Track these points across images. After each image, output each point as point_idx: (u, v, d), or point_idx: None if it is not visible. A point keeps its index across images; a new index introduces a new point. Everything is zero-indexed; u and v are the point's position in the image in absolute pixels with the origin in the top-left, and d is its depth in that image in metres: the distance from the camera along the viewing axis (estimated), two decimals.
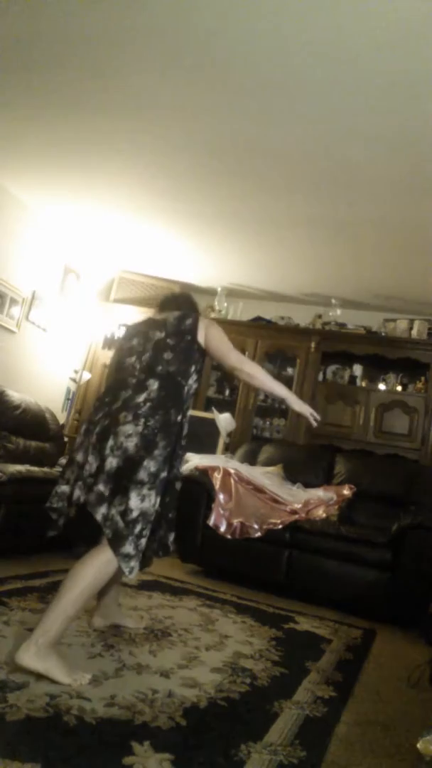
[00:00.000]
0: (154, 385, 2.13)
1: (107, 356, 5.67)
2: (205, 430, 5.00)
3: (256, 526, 3.73)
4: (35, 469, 3.61)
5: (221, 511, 3.81)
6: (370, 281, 4.90)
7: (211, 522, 3.77)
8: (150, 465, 2.02)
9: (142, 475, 2.00)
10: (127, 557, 1.96)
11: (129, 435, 2.03)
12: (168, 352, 2.20)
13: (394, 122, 2.80)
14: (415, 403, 4.94)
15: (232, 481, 3.93)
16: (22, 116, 3.38)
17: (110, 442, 2.03)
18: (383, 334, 5.21)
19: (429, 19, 2.16)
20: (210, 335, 2.28)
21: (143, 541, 2.00)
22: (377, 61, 2.42)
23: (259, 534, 3.71)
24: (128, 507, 1.97)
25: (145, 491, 2.00)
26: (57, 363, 5.40)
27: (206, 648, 2.39)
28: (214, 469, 4.00)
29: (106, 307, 5.77)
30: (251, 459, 4.62)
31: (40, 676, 1.81)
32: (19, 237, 4.69)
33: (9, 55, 2.85)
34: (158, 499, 2.06)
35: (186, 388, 2.22)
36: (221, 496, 3.85)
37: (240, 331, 5.47)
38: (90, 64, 2.80)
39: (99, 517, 2.00)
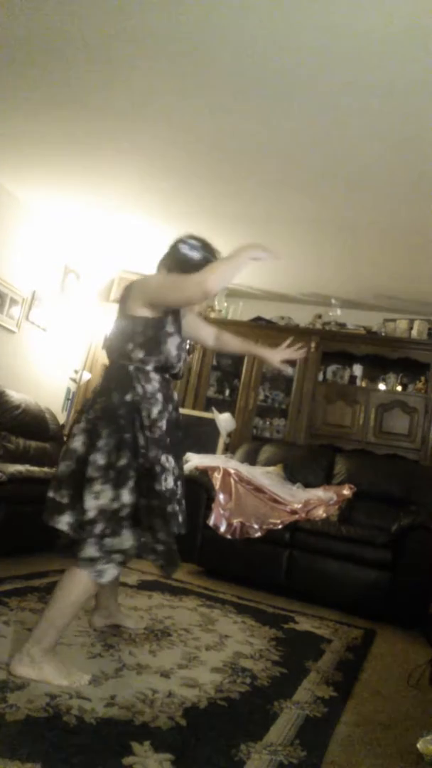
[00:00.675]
0: (103, 375, 2.02)
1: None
2: (205, 430, 5.00)
3: (256, 526, 3.73)
4: (35, 469, 3.61)
5: (221, 511, 3.81)
6: (370, 281, 4.90)
7: (211, 522, 3.77)
8: (96, 458, 1.86)
9: (90, 471, 1.86)
10: (90, 561, 1.84)
11: (74, 435, 1.95)
12: (112, 335, 2.05)
13: (395, 123, 2.80)
14: (415, 403, 4.94)
15: (232, 481, 3.93)
16: (23, 116, 3.38)
17: (62, 450, 1.95)
18: (383, 334, 5.21)
19: (429, 19, 2.16)
20: (143, 292, 1.98)
21: (110, 540, 1.85)
22: (378, 61, 2.41)
23: (259, 534, 3.71)
24: (83, 508, 1.85)
25: (97, 487, 1.84)
26: (57, 363, 5.40)
27: (206, 648, 2.39)
28: (214, 469, 4.00)
29: (106, 307, 5.77)
30: (251, 459, 4.62)
31: None
32: (19, 237, 4.69)
33: (9, 55, 2.85)
34: (122, 492, 1.86)
35: (132, 367, 1.98)
36: (221, 496, 3.85)
37: (240, 331, 5.44)
38: (90, 64, 2.80)
39: (64, 527, 1.90)
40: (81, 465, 1.90)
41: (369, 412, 5.02)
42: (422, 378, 5.01)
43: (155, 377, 2.01)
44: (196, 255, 2.13)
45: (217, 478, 3.92)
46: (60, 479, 1.94)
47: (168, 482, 1.97)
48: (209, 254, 2.15)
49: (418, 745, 1.72)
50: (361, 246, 4.29)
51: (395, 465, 4.54)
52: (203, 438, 4.96)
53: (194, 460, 4.21)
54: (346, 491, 4.09)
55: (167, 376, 2.08)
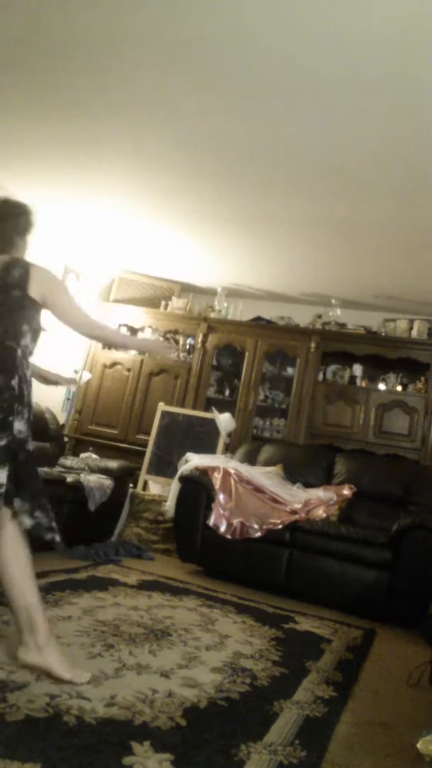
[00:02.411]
0: None
1: (107, 356, 5.68)
2: (205, 430, 5.00)
3: (256, 526, 3.73)
4: None
5: (221, 511, 3.81)
6: (370, 281, 4.90)
7: (211, 522, 3.77)
8: None
9: None
10: None
11: None
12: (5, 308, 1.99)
13: (395, 123, 2.80)
14: (415, 403, 4.94)
15: (232, 481, 3.93)
16: (23, 116, 3.38)
17: None
18: (383, 334, 5.21)
19: (428, 18, 2.16)
20: (47, 289, 2.03)
21: None
22: (377, 61, 2.41)
23: (259, 534, 3.71)
24: None
25: None
26: (57, 363, 5.39)
27: (206, 648, 2.39)
28: (214, 469, 4.00)
29: (106, 307, 5.77)
30: (251, 459, 4.62)
31: (40, 676, 1.81)
32: None
33: (9, 55, 2.85)
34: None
35: (19, 351, 1.98)
36: (221, 496, 3.85)
37: (240, 331, 5.47)
38: (90, 64, 2.80)
39: None
40: None
41: (369, 412, 5.02)
42: (422, 378, 5.01)
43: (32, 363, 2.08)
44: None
45: (217, 478, 3.92)
46: None
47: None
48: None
49: (418, 745, 1.72)
50: (361, 246, 4.29)
51: (395, 465, 4.54)
52: (203, 438, 4.96)
53: (194, 460, 4.21)
54: (346, 491, 4.09)
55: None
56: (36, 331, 2.06)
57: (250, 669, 2.24)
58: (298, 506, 3.87)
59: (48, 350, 5.19)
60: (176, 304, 5.72)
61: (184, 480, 4.04)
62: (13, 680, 1.76)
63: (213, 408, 5.13)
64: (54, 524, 1.97)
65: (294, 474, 4.40)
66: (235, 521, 3.76)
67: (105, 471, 4.43)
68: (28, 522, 1.92)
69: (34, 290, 2.01)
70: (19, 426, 1.94)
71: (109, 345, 2.00)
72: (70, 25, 2.55)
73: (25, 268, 2.02)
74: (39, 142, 3.65)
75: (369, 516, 4.09)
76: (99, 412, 5.59)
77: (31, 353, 2.06)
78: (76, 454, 5.17)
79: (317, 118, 2.89)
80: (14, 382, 1.93)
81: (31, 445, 1.99)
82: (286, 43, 2.41)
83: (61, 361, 5.44)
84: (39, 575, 3.05)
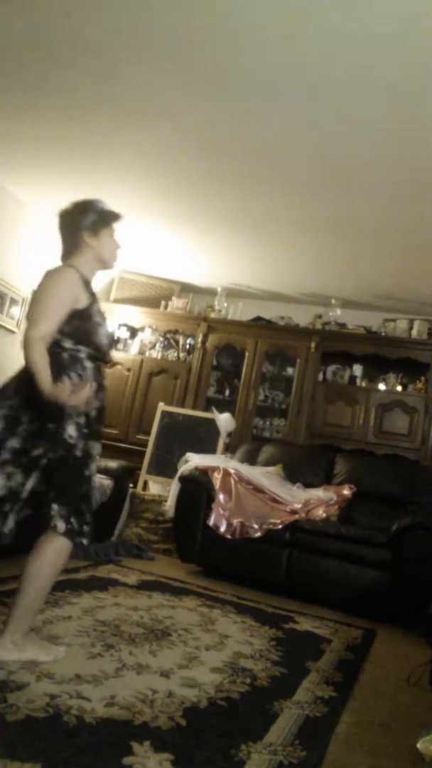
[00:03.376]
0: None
1: None
2: (205, 430, 5.00)
3: (256, 526, 3.73)
4: None
5: (221, 511, 3.81)
6: (370, 281, 4.90)
7: (211, 522, 3.77)
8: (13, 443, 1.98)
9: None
10: None
11: None
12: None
13: (395, 123, 2.80)
14: (415, 403, 4.94)
15: (232, 481, 3.93)
16: (23, 116, 3.38)
17: None
18: (383, 334, 5.21)
19: (427, 18, 2.16)
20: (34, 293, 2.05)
21: None
22: (378, 61, 2.41)
23: (259, 534, 3.71)
24: None
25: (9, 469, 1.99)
26: None
27: (206, 648, 2.39)
28: (214, 469, 4.00)
29: (106, 307, 5.76)
30: (251, 459, 4.62)
31: (40, 676, 1.82)
32: (18, 237, 4.69)
33: (9, 56, 2.85)
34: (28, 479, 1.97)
35: (77, 350, 2.03)
36: (221, 496, 3.85)
37: (240, 331, 5.47)
38: (90, 65, 2.80)
39: None
40: None
41: (369, 412, 5.02)
42: (422, 378, 5.01)
43: (88, 365, 2.06)
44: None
45: (217, 478, 3.92)
46: None
47: (92, 469, 2.08)
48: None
49: (418, 745, 1.73)
50: (360, 246, 4.29)
51: (395, 465, 4.54)
52: (203, 438, 4.96)
53: (194, 460, 4.21)
54: (346, 491, 4.09)
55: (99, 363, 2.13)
56: (72, 335, 2.04)
57: (250, 669, 2.24)
58: (298, 506, 3.87)
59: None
60: (176, 304, 5.72)
61: (184, 480, 4.04)
62: (13, 680, 1.76)
63: (213, 408, 5.13)
64: (85, 528, 2.02)
65: (294, 474, 4.40)
66: (235, 521, 3.76)
67: (105, 471, 4.43)
68: (62, 526, 1.97)
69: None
70: (70, 431, 1.99)
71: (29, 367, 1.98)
72: (71, 27, 2.55)
73: (45, 274, 2.07)
74: (39, 142, 3.65)
75: (369, 516, 4.08)
76: None
77: (87, 356, 2.06)
78: None
79: (317, 118, 2.89)
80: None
81: (79, 451, 2.01)
82: (286, 44, 2.41)
83: None
84: None
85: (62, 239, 2.24)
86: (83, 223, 2.17)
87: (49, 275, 2.09)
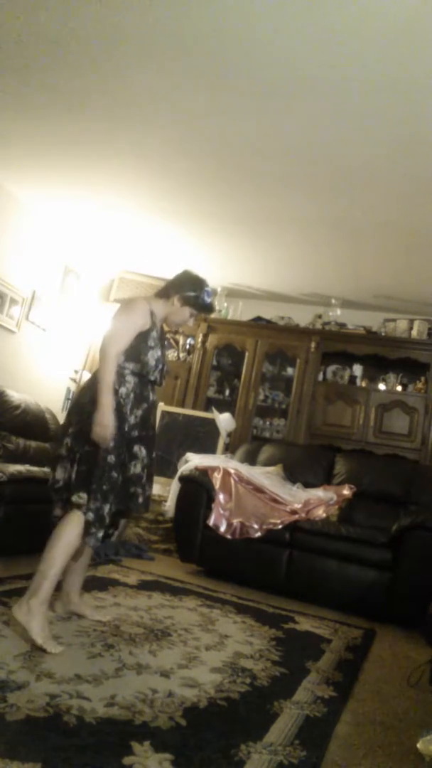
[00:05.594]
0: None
1: None
2: (205, 430, 5.00)
3: (256, 526, 3.73)
4: (35, 469, 3.61)
5: (221, 511, 3.81)
6: (370, 281, 4.90)
7: (211, 522, 3.77)
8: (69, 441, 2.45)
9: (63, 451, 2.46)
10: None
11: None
12: None
13: (395, 123, 2.80)
14: (415, 403, 4.94)
15: (232, 481, 3.93)
16: (23, 116, 3.38)
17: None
18: (383, 334, 5.21)
19: (430, 18, 2.16)
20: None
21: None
22: (378, 61, 2.42)
23: (259, 534, 3.71)
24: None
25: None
26: (57, 363, 5.39)
27: (206, 648, 2.39)
28: (214, 469, 4.00)
29: (106, 307, 5.77)
30: (251, 459, 4.62)
31: (40, 676, 1.81)
32: (19, 237, 4.69)
33: (9, 55, 2.85)
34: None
35: (123, 368, 2.40)
36: (221, 496, 3.85)
37: (240, 331, 5.47)
38: (90, 64, 2.80)
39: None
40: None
41: (369, 412, 5.02)
42: (422, 378, 5.01)
43: (131, 380, 2.43)
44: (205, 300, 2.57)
45: (217, 478, 3.92)
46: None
47: (136, 468, 2.41)
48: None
49: (418, 745, 1.73)
50: (360, 246, 4.29)
51: (395, 465, 4.54)
52: (203, 438, 4.96)
53: (194, 460, 4.21)
54: (346, 491, 4.09)
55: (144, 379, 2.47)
56: (132, 354, 2.41)
57: (250, 669, 2.24)
58: (298, 506, 3.87)
59: (48, 350, 5.23)
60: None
61: (184, 480, 4.03)
62: (13, 680, 1.76)
63: (213, 408, 5.13)
64: (99, 520, 2.28)
65: (294, 474, 4.40)
66: (235, 521, 3.76)
67: None
68: (90, 516, 2.25)
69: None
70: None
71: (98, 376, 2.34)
72: (70, 25, 2.55)
73: (122, 303, 2.49)
74: (39, 142, 3.65)
75: (369, 516, 4.08)
76: None
77: (131, 372, 2.42)
78: None
79: (318, 118, 2.89)
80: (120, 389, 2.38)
81: (114, 452, 2.32)
82: (287, 44, 2.42)
83: (62, 361, 5.44)
84: None
85: (169, 284, 2.57)
86: (184, 291, 2.51)
87: (128, 302, 2.48)
